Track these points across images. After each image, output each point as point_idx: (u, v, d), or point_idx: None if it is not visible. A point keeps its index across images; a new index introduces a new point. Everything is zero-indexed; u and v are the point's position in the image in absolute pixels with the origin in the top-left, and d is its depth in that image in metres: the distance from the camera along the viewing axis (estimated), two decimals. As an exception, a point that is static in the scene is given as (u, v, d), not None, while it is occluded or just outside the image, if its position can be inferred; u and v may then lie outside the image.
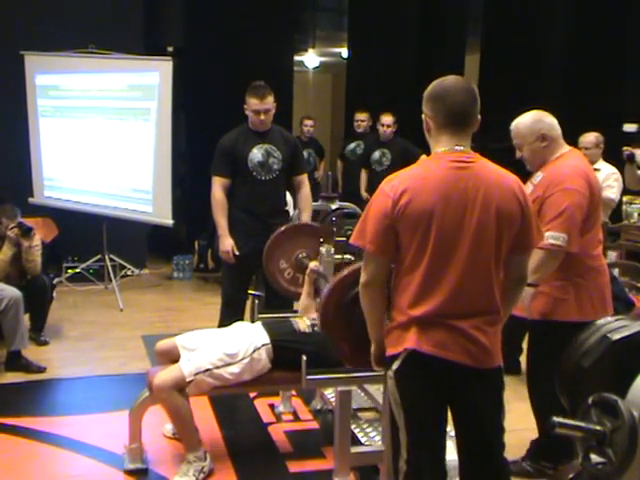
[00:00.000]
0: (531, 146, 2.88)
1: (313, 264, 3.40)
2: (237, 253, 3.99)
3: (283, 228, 3.67)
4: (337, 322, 2.47)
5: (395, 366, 2.10)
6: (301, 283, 3.48)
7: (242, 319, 3.79)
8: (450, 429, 2.92)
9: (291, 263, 3.63)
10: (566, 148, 2.93)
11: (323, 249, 3.45)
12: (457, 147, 2.08)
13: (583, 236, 2.80)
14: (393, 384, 2.12)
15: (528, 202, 2.12)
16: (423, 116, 2.16)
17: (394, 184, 2.06)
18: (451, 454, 2.89)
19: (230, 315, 3.83)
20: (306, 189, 4.21)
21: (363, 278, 2.13)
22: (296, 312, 3.48)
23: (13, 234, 4.58)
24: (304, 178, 4.23)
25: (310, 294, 3.37)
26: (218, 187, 4.04)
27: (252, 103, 3.97)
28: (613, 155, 5.20)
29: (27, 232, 4.63)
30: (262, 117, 3.98)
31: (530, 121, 2.89)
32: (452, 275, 2.03)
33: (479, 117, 2.14)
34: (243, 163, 4.01)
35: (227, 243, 4.00)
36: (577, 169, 2.82)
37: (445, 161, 2.07)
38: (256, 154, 4.02)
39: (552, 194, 2.76)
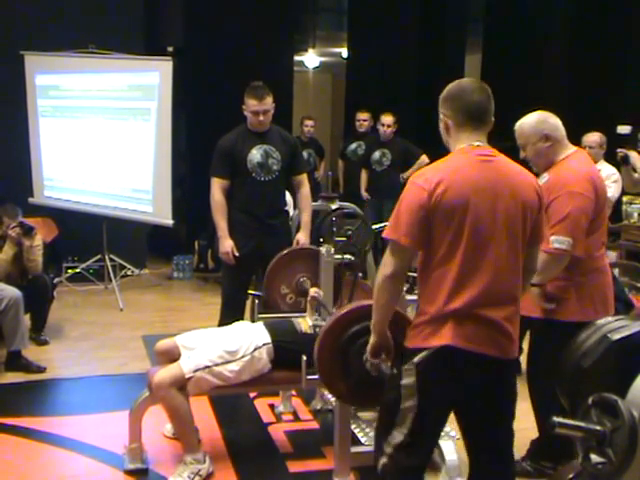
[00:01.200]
0: (534, 146, 2.89)
1: (314, 290, 3.39)
2: (237, 254, 3.99)
3: (283, 252, 3.64)
4: (334, 361, 2.48)
5: (418, 359, 2.09)
6: (303, 307, 3.45)
7: (242, 319, 3.79)
8: (450, 429, 2.93)
9: (292, 288, 3.62)
10: (572, 149, 2.93)
11: (323, 249, 3.45)
12: (477, 142, 2.15)
13: (588, 237, 2.80)
14: (413, 375, 2.10)
15: (543, 196, 2.22)
16: (441, 116, 2.22)
17: (427, 177, 2.10)
18: (451, 454, 2.90)
19: (230, 315, 3.83)
20: (306, 189, 4.20)
21: (389, 270, 2.12)
22: (297, 312, 3.48)
23: (15, 233, 4.58)
24: (304, 178, 4.22)
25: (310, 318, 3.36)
26: (217, 189, 4.04)
27: (251, 104, 3.96)
28: (612, 155, 5.20)
29: (28, 231, 4.63)
30: (261, 118, 3.97)
31: (534, 121, 2.90)
32: (489, 266, 2.07)
33: (493, 119, 2.21)
34: (242, 164, 4.00)
35: (227, 244, 4.00)
36: (582, 172, 2.82)
37: (471, 154, 2.14)
38: (255, 155, 4.01)
39: (556, 197, 2.76)
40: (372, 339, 2.26)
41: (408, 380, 2.12)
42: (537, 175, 2.95)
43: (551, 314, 2.86)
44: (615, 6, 7.80)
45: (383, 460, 2.19)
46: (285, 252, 3.66)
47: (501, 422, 2.21)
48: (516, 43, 8.43)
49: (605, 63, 7.78)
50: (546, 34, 8.39)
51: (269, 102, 3.98)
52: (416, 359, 2.10)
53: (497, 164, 2.14)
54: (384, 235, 2.16)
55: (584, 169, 2.84)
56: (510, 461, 2.26)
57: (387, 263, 2.13)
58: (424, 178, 2.10)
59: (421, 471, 2.23)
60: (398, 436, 2.14)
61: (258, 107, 3.95)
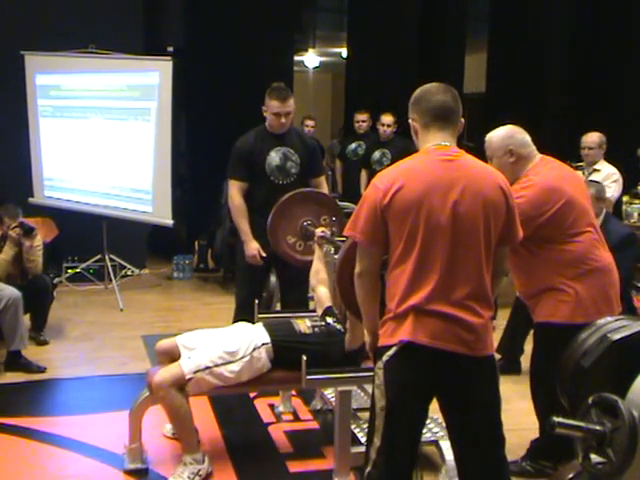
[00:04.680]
0: (500, 160, 2.92)
1: (320, 230, 3.39)
2: (264, 255, 3.89)
3: (278, 203, 3.58)
4: (352, 280, 2.42)
5: (386, 357, 2.12)
6: (314, 249, 3.45)
7: (254, 321, 3.77)
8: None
9: (298, 235, 3.61)
10: (535, 159, 2.93)
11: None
12: (443, 142, 2.18)
13: (575, 239, 2.82)
14: (382, 374, 2.12)
15: (512, 195, 2.21)
16: (410, 121, 2.26)
17: (384, 177, 2.17)
18: (451, 454, 2.89)
19: (244, 318, 3.77)
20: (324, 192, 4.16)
21: (357, 269, 2.21)
22: (298, 312, 3.48)
23: (15, 234, 4.58)
24: (322, 180, 4.15)
25: (321, 258, 3.37)
26: (236, 191, 3.98)
27: (273, 106, 3.88)
28: (614, 155, 5.20)
29: (29, 232, 4.62)
30: (283, 120, 3.90)
31: (502, 136, 2.94)
32: (442, 263, 2.08)
33: (462, 120, 2.24)
34: (260, 167, 3.94)
35: (253, 247, 3.92)
36: (532, 188, 2.82)
37: (432, 154, 2.17)
38: (274, 157, 3.95)
39: None
40: (368, 339, 2.31)
41: (378, 381, 2.14)
42: None
43: (553, 317, 2.85)
44: (617, 5, 7.81)
45: (368, 469, 2.17)
46: (279, 202, 3.58)
47: (478, 421, 2.17)
48: (520, 43, 8.45)
49: (608, 62, 7.79)
50: (550, 34, 8.41)
51: (291, 104, 3.92)
52: (384, 357, 2.12)
53: (459, 163, 2.15)
54: (344, 232, 2.25)
55: (535, 184, 2.84)
56: (496, 463, 2.21)
57: (357, 262, 2.22)
58: (381, 178, 2.17)
59: (404, 477, 2.18)
60: (377, 441, 2.14)
61: (280, 109, 3.87)
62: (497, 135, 2.96)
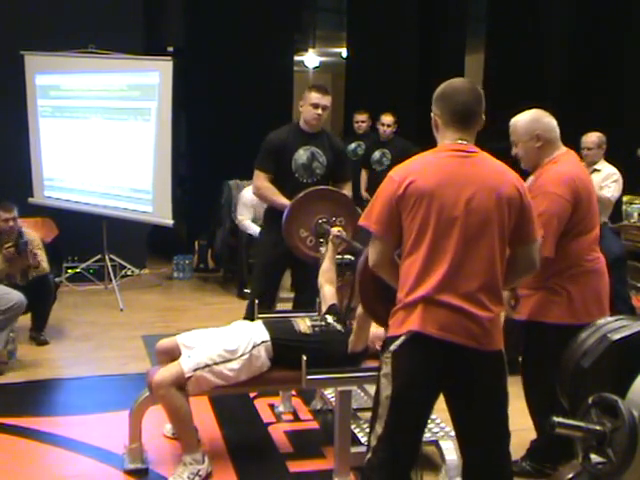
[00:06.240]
0: (525, 145, 2.90)
1: (336, 230, 3.41)
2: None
3: (298, 196, 3.62)
4: (374, 286, 2.44)
5: (394, 347, 2.13)
6: (324, 249, 3.47)
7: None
8: (450, 429, 2.92)
9: (311, 230, 3.64)
10: (561, 150, 2.92)
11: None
12: (460, 141, 2.20)
13: (577, 239, 2.81)
14: (390, 362, 2.14)
15: (527, 193, 2.22)
16: (432, 114, 2.28)
17: (400, 170, 2.21)
18: (451, 454, 2.89)
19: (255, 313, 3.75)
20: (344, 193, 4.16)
21: (371, 260, 2.25)
22: (297, 313, 3.48)
23: (9, 254, 4.54)
24: (347, 187, 4.12)
25: (332, 258, 3.39)
26: (263, 180, 4.01)
27: (313, 96, 3.95)
28: (615, 155, 5.20)
29: (22, 251, 4.56)
30: (319, 111, 3.95)
31: (528, 120, 2.91)
32: (450, 254, 2.10)
33: (484, 117, 2.25)
34: (287, 163, 3.97)
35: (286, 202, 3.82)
36: (562, 174, 2.81)
37: (448, 150, 2.20)
38: (301, 155, 3.99)
39: (532, 198, 2.77)
40: None
41: (386, 369, 2.16)
42: (527, 173, 2.96)
43: (542, 316, 2.85)
44: (616, 5, 7.81)
45: (368, 455, 2.19)
46: (300, 196, 3.62)
47: (484, 415, 2.18)
48: (518, 44, 8.45)
49: (608, 62, 7.79)
50: (549, 35, 8.41)
51: (329, 100, 3.99)
52: (392, 346, 2.14)
53: (475, 160, 2.18)
54: (359, 222, 2.28)
55: (566, 172, 2.83)
56: (500, 459, 2.22)
57: (369, 254, 2.25)
58: (397, 171, 2.22)
59: (403, 468, 2.19)
60: (378, 428, 2.16)
61: (319, 100, 3.94)
62: (523, 119, 2.92)
